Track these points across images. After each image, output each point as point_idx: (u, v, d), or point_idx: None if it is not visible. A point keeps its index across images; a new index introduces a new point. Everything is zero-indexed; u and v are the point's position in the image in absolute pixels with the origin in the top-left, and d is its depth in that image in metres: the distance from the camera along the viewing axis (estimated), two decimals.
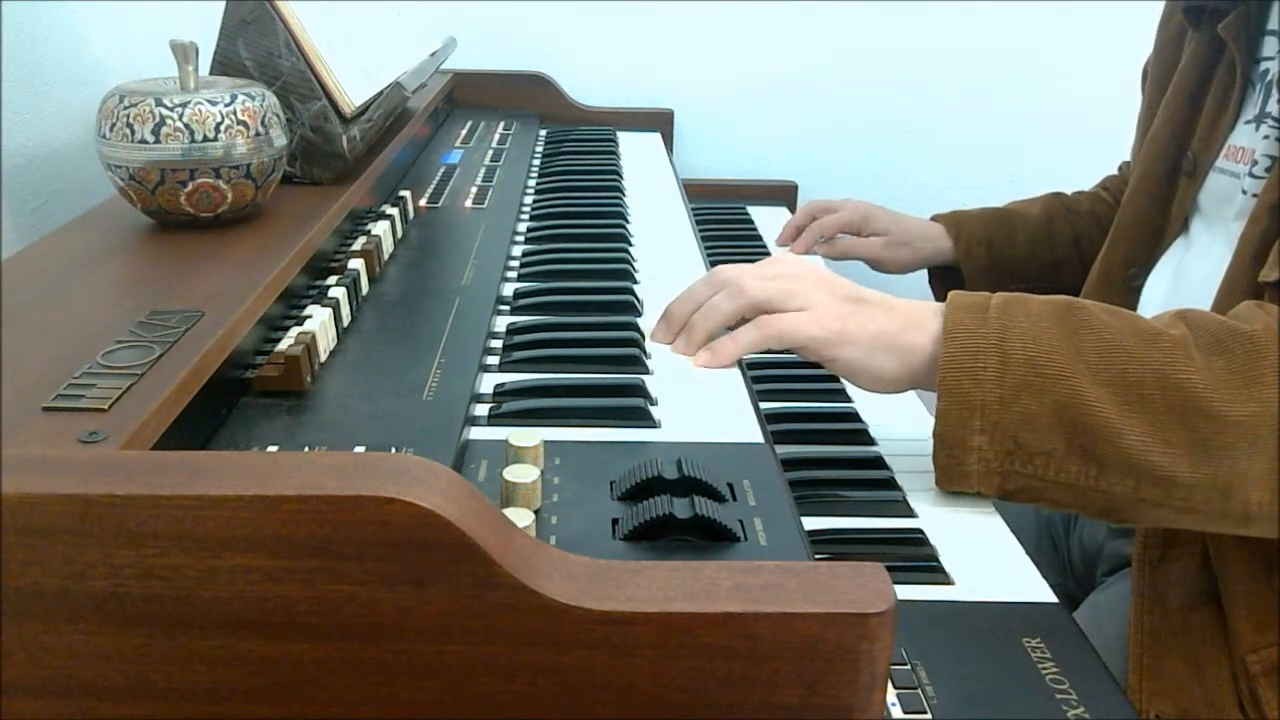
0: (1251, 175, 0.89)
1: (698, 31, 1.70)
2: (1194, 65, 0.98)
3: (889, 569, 0.43)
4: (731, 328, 0.80)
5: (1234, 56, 0.92)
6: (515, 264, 0.99)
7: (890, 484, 0.80)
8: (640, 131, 1.64)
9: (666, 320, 0.82)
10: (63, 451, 0.48)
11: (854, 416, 0.91)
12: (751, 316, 0.79)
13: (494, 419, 0.69)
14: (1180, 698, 0.80)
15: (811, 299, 0.77)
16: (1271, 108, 0.88)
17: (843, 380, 0.79)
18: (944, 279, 1.30)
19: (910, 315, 0.76)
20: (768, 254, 1.34)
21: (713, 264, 0.99)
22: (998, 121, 1.74)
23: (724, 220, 1.50)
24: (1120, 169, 1.27)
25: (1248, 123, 0.92)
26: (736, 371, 0.78)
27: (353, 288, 0.80)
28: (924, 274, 1.34)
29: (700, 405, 0.72)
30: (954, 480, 0.74)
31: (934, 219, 1.29)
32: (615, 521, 0.56)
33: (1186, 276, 0.96)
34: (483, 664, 0.42)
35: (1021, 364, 0.71)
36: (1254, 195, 0.87)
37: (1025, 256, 1.24)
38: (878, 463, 0.84)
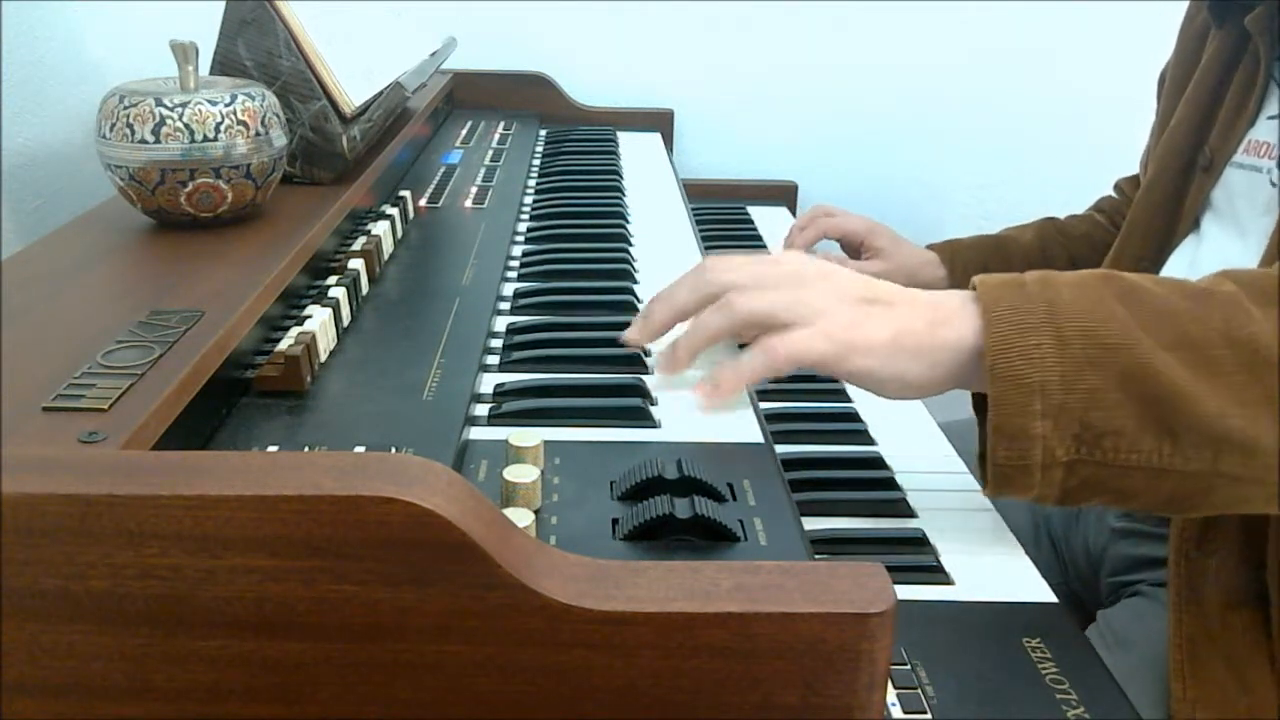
0: None
1: (698, 31, 1.70)
2: (1216, 62, 0.98)
3: (889, 569, 0.43)
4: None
5: (1259, 51, 0.92)
6: (515, 264, 0.99)
7: (890, 484, 0.80)
8: (640, 131, 1.64)
9: (645, 321, 0.76)
10: (63, 451, 0.48)
11: (854, 416, 0.91)
12: (745, 332, 0.73)
13: (494, 419, 0.69)
14: (1222, 705, 0.75)
15: (815, 306, 0.68)
16: None
17: (843, 380, 0.74)
18: None
19: (935, 309, 0.68)
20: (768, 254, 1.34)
21: None
22: (998, 122, 1.74)
23: (724, 220, 1.50)
24: (1116, 188, 1.27)
25: (1271, 118, 0.92)
26: None
27: (353, 288, 0.80)
28: None
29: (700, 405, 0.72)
30: (1010, 482, 0.65)
31: (929, 248, 1.29)
32: (615, 521, 0.56)
33: (1199, 272, 0.96)
34: (483, 664, 0.42)
35: (1079, 335, 0.64)
36: None
37: None
38: (878, 463, 0.84)
